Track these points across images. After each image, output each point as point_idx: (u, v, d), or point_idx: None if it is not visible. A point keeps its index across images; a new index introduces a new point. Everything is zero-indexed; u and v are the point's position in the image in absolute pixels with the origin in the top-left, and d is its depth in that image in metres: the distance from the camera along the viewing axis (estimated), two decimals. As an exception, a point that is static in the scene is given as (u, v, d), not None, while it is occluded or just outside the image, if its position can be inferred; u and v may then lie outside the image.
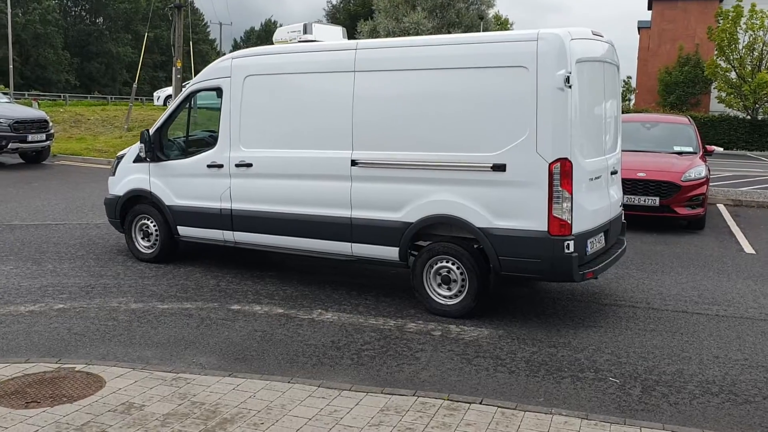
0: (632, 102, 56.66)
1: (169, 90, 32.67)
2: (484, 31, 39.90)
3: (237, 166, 7.71)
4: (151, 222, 8.52)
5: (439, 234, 6.78)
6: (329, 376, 5.26)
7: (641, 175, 11.05)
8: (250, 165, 7.64)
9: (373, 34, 40.00)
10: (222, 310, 6.83)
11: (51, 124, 17.49)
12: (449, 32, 39.87)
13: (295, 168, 7.38)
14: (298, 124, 7.39)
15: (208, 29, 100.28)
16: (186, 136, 8.38)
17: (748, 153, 30.84)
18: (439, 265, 6.73)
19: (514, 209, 6.30)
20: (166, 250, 8.49)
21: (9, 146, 16.18)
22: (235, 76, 7.73)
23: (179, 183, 8.21)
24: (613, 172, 7.11)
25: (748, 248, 10.20)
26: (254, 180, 7.65)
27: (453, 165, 6.52)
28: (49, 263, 8.36)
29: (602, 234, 6.85)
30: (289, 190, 7.42)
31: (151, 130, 8.44)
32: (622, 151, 11.71)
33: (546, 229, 6.17)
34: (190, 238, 8.32)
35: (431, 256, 6.76)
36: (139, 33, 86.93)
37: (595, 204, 6.62)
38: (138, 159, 8.46)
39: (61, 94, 41.81)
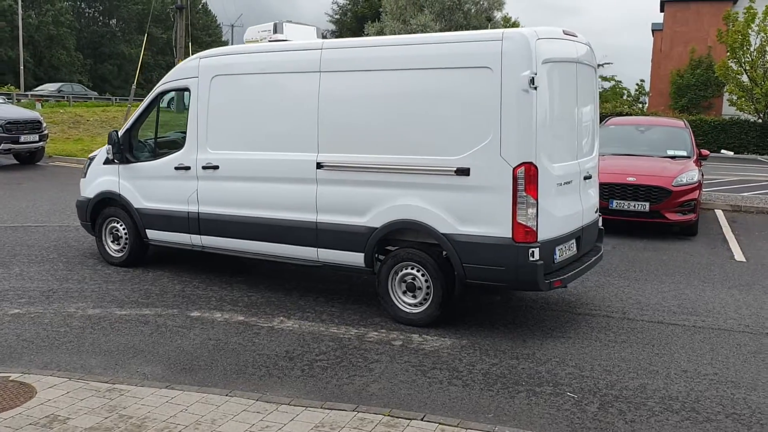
0: (646, 105, 56.10)
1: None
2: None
3: (204, 168, 7.53)
4: (121, 225, 8.35)
5: (407, 240, 6.56)
6: (274, 389, 5.06)
7: (631, 179, 10.77)
8: (216, 167, 7.46)
9: (380, 35, 39.81)
10: (181, 317, 6.64)
11: (44, 125, 17.42)
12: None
13: (261, 170, 7.19)
14: (265, 125, 7.20)
15: (220, 31, 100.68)
16: (155, 138, 8.21)
17: (759, 157, 30.31)
18: (404, 272, 6.51)
19: (478, 215, 6.07)
20: (135, 253, 8.32)
21: (1, 147, 16.11)
22: (203, 76, 7.56)
23: (148, 185, 8.04)
24: (587, 177, 6.85)
25: (739, 256, 9.89)
26: (221, 183, 7.47)
27: (417, 168, 6.30)
28: (17, 266, 8.21)
29: (573, 241, 6.61)
30: (256, 193, 7.22)
31: (121, 131, 8.28)
32: (615, 154, 11.67)
33: (510, 236, 5.94)
34: (158, 242, 8.15)
35: (396, 262, 6.54)
36: (152, 35, 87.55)
37: (565, 210, 6.38)
38: (107, 161, 8.30)
39: (65, 95, 41.94)
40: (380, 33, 40.03)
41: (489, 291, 7.53)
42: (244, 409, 4.52)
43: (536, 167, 5.88)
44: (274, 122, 7.12)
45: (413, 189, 6.35)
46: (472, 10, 40.10)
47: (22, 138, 16.33)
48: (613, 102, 38.83)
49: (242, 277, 8.03)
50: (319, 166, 6.78)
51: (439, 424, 4.35)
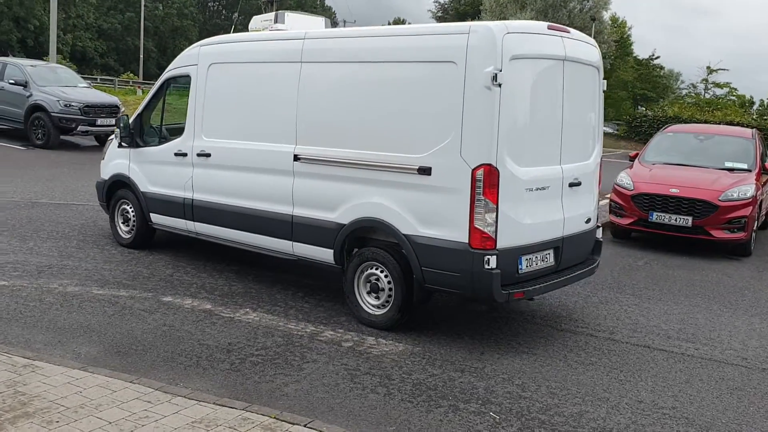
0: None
1: None
2: (595, 34, 38.19)
3: (198, 155, 7.59)
4: (130, 207, 8.56)
5: (378, 239, 6.34)
6: (192, 380, 4.99)
7: (674, 191, 9.99)
8: (209, 155, 7.50)
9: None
10: (151, 300, 6.70)
11: (123, 109, 18.25)
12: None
13: (246, 160, 7.15)
14: (251, 114, 7.17)
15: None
16: (161, 123, 8.35)
17: None
18: (369, 272, 6.29)
19: (438, 217, 5.77)
20: (141, 236, 8.50)
21: (78, 128, 17.00)
22: (201, 63, 7.61)
23: (152, 170, 8.20)
24: (575, 184, 6.35)
25: (785, 281, 8.99)
26: (212, 170, 7.50)
27: (383, 166, 6.06)
28: (33, 241, 8.58)
29: (550, 252, 6.16)
30: (241, 182, 7.20)
31: (132, 117, 8.49)
32: (666, 164, 10.91)
33: (467, 241, 5.60)
34: (161, 227, 8.29)
35: (361, 261, 6.33)
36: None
37: (537, 217, 5.95)
38: (120, 144, 8.53)
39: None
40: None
41: (473, 300, 7.18)
42: (137, 397, 4.47)
43: (497, 170, 5.51)
44: (260, 112, 7.07)
45: (379, 186, 6.12)
46: (577, 9, 38.83)
47: (99, 121, 17.16)
48: (725, 111, 36.47)
49: (238, 267, 8.02)
50: (296, 158, 6.67)
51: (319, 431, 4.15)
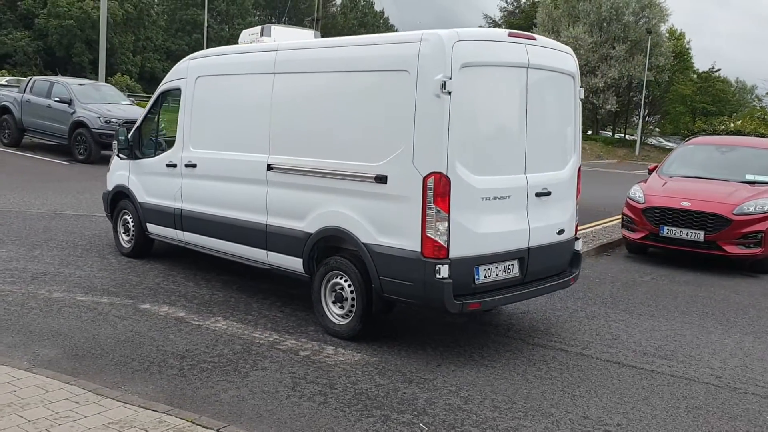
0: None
1: None
2: (652, 47, 37.34)
3: (185, 166, 7.76)
4: (130, 218, 8.80)
5: (341, 247, 6.34)
6: (135, 384, 5.07)
7: (685, 204, 9.64)
8: (195, 165, 7.66)
9: (531, 48, 38.86)
10: (128, 308, 6.85)
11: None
12: (613, 47, 37.77)
13: (226, 170, 7.27)
14: (232, 125, 7.29)
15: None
16: (156, 135, 8.57)
17: None
18: (334, 281, 6.29)
19: (394, 225, 5.73)
20: (139, 246, 8.71)
21: (117, 143, 17.58)
22: (189, 76, 7.79)
23: (148, 180, 8.41)
24: (542, 194, 6.19)
25: (798, 300, 8.52)
26: (197, 181, 7.65)
27: (343, 174, 6.07)
28: (39, 249, 8.90)
29: (514, 262, 6.02)
30: (223, 192, 7.32)
31: (132, 129, 8.74)
32: (683, 177, 10.55)
33: (419, 250, 5.54)
34: (156, 236, 8.48)
35: (327, 270, 6.33)
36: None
37: (497, 227, 5.83)
38: (119, 156, 8.79)
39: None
40: (531, 45, 39.11)
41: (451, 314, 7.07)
42: (68, 398, 4.57)
43: (448, 178, 5.44)
44: (239, 122, 7.18)
45: (341, 195, 6.13)
46: (632, 21, 37.98)
47: (137, 136, 17.70)
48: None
49: (227, 277, 8.11)
50: (269, 167, 6.74)
51: (230, 437, 4.16)
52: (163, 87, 8.33)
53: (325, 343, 6.13)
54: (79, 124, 17.59)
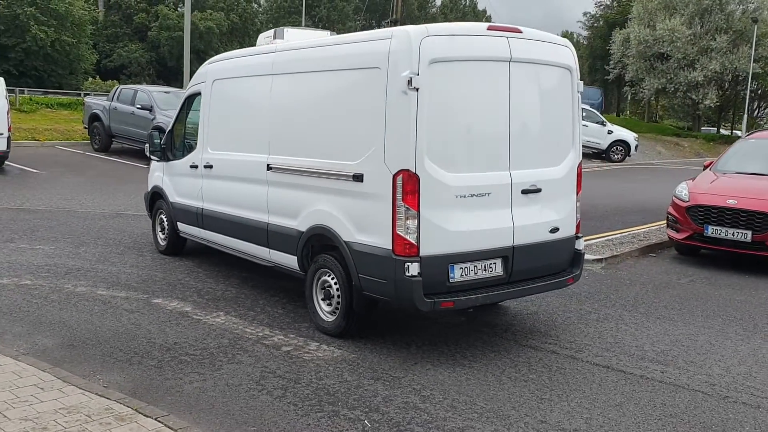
0: None
1: None
2: (759, 37, 35.15)
3: (204, 167, 8.04)
4: (165, 217, 9.21)
5: (330, 245, 6.39)
6: (108, 373, 5.30)
7: (731, 202, 9.04)
8: (211, 167, 7.93)
9: (625, 43, 37.46)
10: (141, 302, 7.17)
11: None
12: (714, 39, 35.82)
13: (236, 171, 7.49)
14: (240, 126, 7.51)
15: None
16: (184, 138, 8.90)
17: None
18: (323, 279, 6.35)
19: (370, 224, 5.74)
20: (173, 244, 9.09)
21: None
22: (207, 80, 8.08)
23: (177, 181, 8.78)
24: (530, 191, 6.00)
25: None
26: (214, 181, 7.91)
27: (327, 173, 6.14)
28: (85, 247, 9.44)
29: (497, 261, 5.88)
30: (233, 192, 7.54)
31: (166, 132, 9.14)
32: (737, 173, 9.96)
33: (391, 248, 5.52)
34: (186, 235, 8.82)
35: (317, 268, 6.41)
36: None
37: (475, 225, 5.70)
38: (150, 158, 9.21)
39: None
40: (625, 39, 37.73)
41: (457, 312, 6.98)
42: (36, 383, 4.86)
43: (417, 175, 5.39)
44: (246, 124, 7.38)
45: (326, 194, 6.19)
46: (737, 12, 35.84)
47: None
48: None
49: (247, 274, 8.31)
50: (268, 167, 6.89)
51: (165, 425, 4.30)
52: (189, 91, 8.67)
53: (312, 340, 6.20)
54: (157, 129, 18.42)
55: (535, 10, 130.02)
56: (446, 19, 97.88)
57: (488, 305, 7.22)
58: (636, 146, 28.65)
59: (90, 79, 48.23)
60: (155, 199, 9.42)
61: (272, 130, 6.87)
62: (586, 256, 9.28)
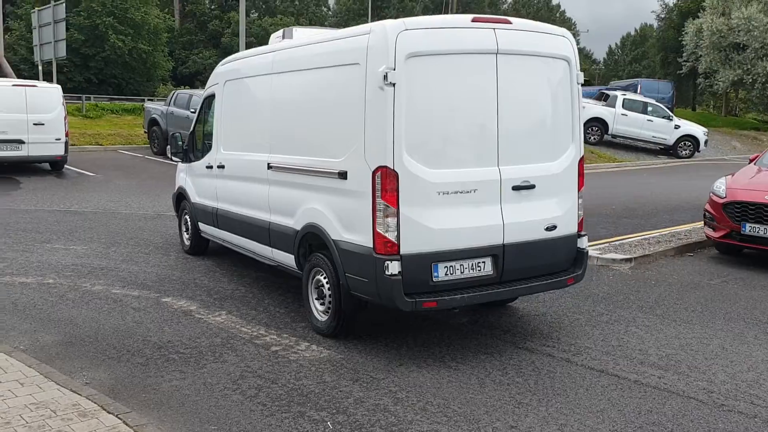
0: None
1: None
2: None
3: (217, 167, 8.14)
4: (189, 217, 9.37)
5: (322, 244, 6.34)
6: (94, 370, 5.40)
7: (768, 198, 8.50)
8: (223, 167, 8.01)
9: (698, 33, 35.93)
10: (151, 300, 7.30)
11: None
12: (794, 27, 33.83)
13: (243, 170, 7.55)
14: (246, 126, 7.56)
15: (577, 37, 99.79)
16: (203, 139, 9.02)
17: None
18: (317, 278, 6.31)
19: (354, 222, 5.66)
20: (196, 244, 9.24)
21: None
22: (220, 81, 8.17)
23: (198, 182, 8.92)
24: (523, 187, 5.78)
25: None
26: (227, 181, 7.99)
27: (317, 171, 6.10)
28: (115, 247, 9.71)
29: (486, 260, 5.69)
30: (242, 191, 7.60)
31: (188, 134, 9.30)
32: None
33: (372, 246, 5.43)
34: (206, 235, 8.95)
35: (311, 267, 6.37)
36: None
37: (460, 223, 5.54)
38: (172, 159, 9.39)
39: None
40: (698, 30, 36.21)
41: (460, 313, 6.83)
42: (18, 378, 5.00)
43: (395, 172, 5.28)
44: (251, 124, 7.43)
45: (317, 192, 6.15)
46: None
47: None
48: None
49: (263, 274, 8.37)
50: (269, 166, 6.91)
51: (123, 422, 4.34)
52: (206, 93, 8.78)
53: (304, 340, 6.17)
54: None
55: (616, 4, 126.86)
56: (517, 16, 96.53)
57: (495, 306, 7.06)
58: (705, 141, 27.44)
59: (162, 85, 49.83)
60: (180, 199, 9.61)
61: (272, 129, 6.89)
62: (613, 256, 8.98)
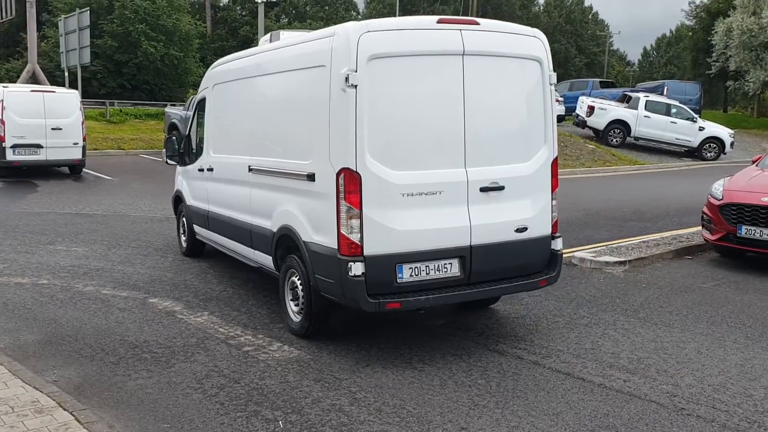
0: None
1: None
2: None
3: (207, 170, 8.25)
4: (185, 219, 9.50)
5: (296, 245, 6.39)
6: (65, 368, 5.52)
7: (766, 200, 8.31)
8: (212, 169, 8.12)
9: (728, 33, 35.32)
10: (136, 301, 7.42)
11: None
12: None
13: (228, 173, 7.64)
14: (231, 129, 7.66)
15: (611, 39, 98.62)
16: (198, 143, 9.13)
17: None
18: (291, 279, 6.36)
19: (322, 223, 5.70)
20: (192, 246, 9.36)
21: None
22: (209, 85, 8.29)
23: (192, 185, 9.05)
24: (491, 188, 5.75)
25: None
26: (215, 184, 8.10)
27: (288, 173, 6.18)
28: (116, 249, 9.88)
29: (453, 261, 5.68)
30: (228, 193, 7.70)
31: (184, 137, 9.44)
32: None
33: (337, 248, 5.46)
34: (200, 237, 9.06)
35: (287, 269, 6.43)
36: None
37: (425, 224, 5.53)
38: (167, 162, 9.54)
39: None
40: (728, 30, 35.59)
41: (437, 315, 6.83)
42: (-13, 376, 5.15)
43: (358, 174, 5.31)
44: (236, 126, 7.53)
45: (290, 194, 6.22)
46: None
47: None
48: None
49: (253, 276, 8.40)
50: (249, 169, 6.99)
51: (76, 419, 4.44)
52: (198, 96, 8.91)
53: (278, 340, 6.22)
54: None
55: (653, 5, 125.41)
56: (549, 18, 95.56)
57: (474, 308, 7.05)
58: (732, 143, 26.92)
59: (192, 90, 50.57)
60: (177, 202, 9.75)
61: (252, 132, 6.97)
62: (607, 259, 8.88)
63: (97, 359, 5.77)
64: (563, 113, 30.34)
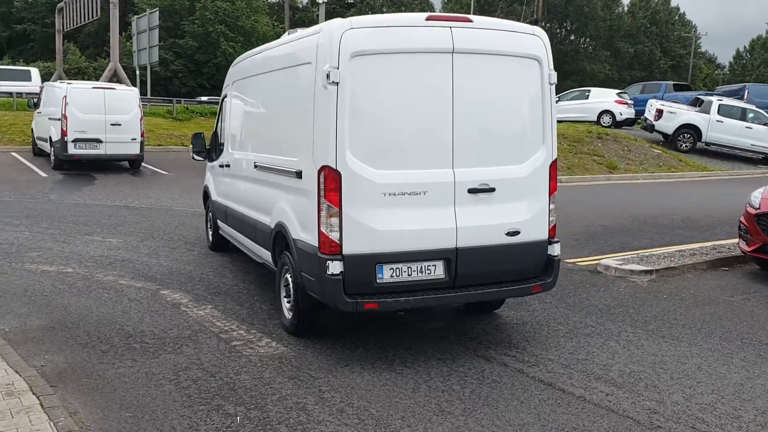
0: None
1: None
2: None
3: (226, 166, 8.38)
4: (211, 214, 9.67)
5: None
6: (59, 354, 5.70)
7: (803, 210, 7.81)
8: (229, 166, 8.24)
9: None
10: (148, 292, 7.59)
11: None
12: None
13: (240, 169, 7.74)
14: (243, 126, 7.75)
15: (699, 40, 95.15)
16: (222, 139, 9.26)
17: None
18: (286, 276, 6.37)
19: (307, 221, 5.69)
20: (216, 240, 9.51)
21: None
22: (230, 82, 8.41)
23: (216, 181, 9.20)
24: (480, 190, 5.59)
25: None
26: (231, 179, 8.22)
27: (281, 170, 6.21)
28: (148, 241, 10.14)
29: (437, 263, 5.56)
30: (241, 189, 7.80)
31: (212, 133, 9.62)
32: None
33: (317, 246, 5.43)
34: (222, 232, 9.19)
35: (282, 265, 6.44)
36: (619, 50, 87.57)
37: (407, 224, 5.43)
38: (194, 158, 9.73)
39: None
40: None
41: (423, 315, 6.70)
42: (-24, 359, 5.36)
43: (338, 172, 5.26)
44: (248, 123, 7.61)
45: (284, 191, 6.24)
46: None
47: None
48: None
49: (265, 271, 8.49)
50: (255, 165, 7.05)
51: (40, 403, 4.56)
52: (223, 93, 9.04)
53: (268, 336, 6.24)
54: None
55: (750, 5, 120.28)
56: (633, 19, 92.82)
57: (476, 312, 6.89)
58: (814, 150, 25.45)
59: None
60: (206, 197, 9.93)
61: (257, 129, 7.03)
62: (633, 267, 8.55)
63: (90, 347, 5.92)
64: (633, 117, 29.38)
